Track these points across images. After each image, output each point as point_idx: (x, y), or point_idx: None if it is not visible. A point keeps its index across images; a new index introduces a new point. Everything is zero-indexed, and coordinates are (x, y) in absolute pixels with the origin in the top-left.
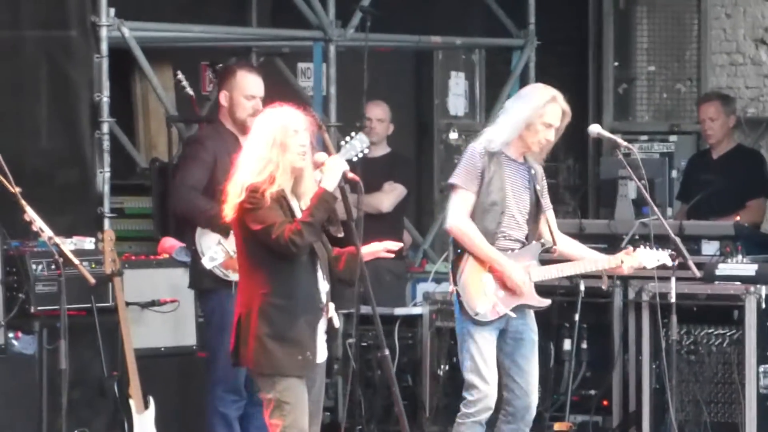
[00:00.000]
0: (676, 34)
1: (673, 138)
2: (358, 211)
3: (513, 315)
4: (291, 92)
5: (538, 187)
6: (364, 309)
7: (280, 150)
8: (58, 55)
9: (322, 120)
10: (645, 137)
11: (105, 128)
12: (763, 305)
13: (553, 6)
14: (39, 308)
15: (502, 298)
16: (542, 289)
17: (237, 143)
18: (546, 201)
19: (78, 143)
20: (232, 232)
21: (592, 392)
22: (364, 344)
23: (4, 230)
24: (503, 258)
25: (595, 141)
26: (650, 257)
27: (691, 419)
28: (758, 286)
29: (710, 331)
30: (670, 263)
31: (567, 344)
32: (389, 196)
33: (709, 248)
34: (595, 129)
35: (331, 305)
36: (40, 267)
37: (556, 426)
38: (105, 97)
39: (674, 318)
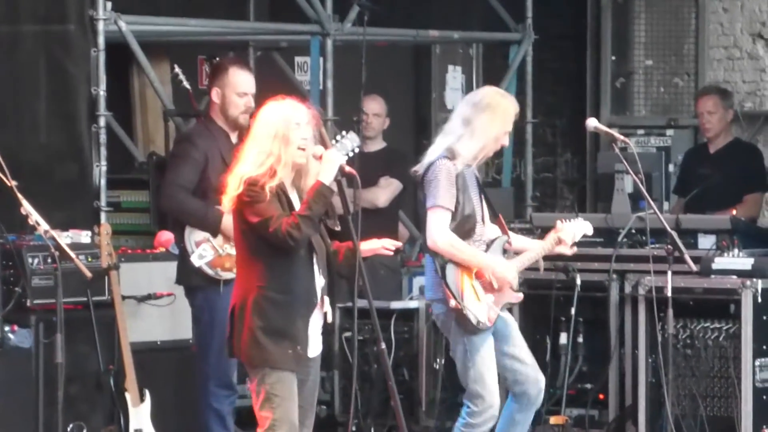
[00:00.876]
0: (673, 28)
1: (670, 132)
2: (355, 206)
3: (504, 314)
4: (288, 86)
5: (480, 183)
6: (361, 303)
7: (282, 143)
8: (57, 50)
9: (319, 114)
10: (642, 131)
11: (102, 122)
12: (760, 299)
13: (550, 0)
14: (35, 302)
15: (492, 302)
16: (538, 283)
17: (228, 140)
18: (485, 195)
19: (76, 137)
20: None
21: (589, 386)
22: (361, 338)
23: (0, 224)
24: (493, 261)
25: (593, 135)
26: (576, 227)
27: (688, 413)
28: (754, 279)
29: (706, 325)
30: (590, 232)
31: (563, 338)
32: (385, 191)
33: (706, 242)
34: (592, 123)
35: (326, 300)
36: (36, 261)
37: (552, 420)
38: (102, 91)
39: (670, 312)
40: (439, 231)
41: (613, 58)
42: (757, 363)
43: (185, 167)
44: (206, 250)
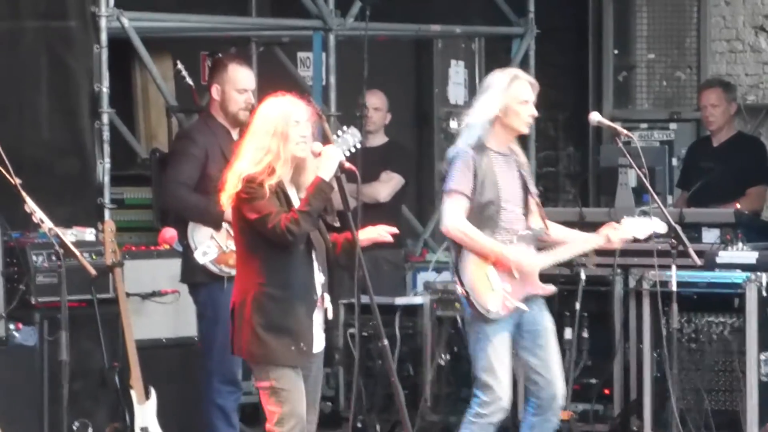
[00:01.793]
0: (675, 21)
1: (673, 126)
2: (355, 201)
3: (525, 308)
4: (290, 82)
5: (524, 174)
6: (365, 299)
7: (281, 140)
8: (58, 46)
9: (321, 110)
10: (645, 125)
11: (105, 119)
12: (764, 293)
13: None
14: (40, 299)
15: (510, 292)
16: (542, 278)
17: (228, 137)
18: (533, 188)
19: (78, 134)
20: (224, 225)
21: (593, 381)
22: (365, 334)
23: (4, 221)
24: (506, 247)
25: (595, 129)
26: (639, 226)
27: (693, 407)
28: (759, 273)
29: (711, 319)
30: (662, 230)
31: (568, 333)
32: (386, 186)
33: (710, 236)
34: (595, 117)
35: (326, 296)
36: (40, 258)
37: None
38: (105, 88)
39: (675, 306)
40: (451, 217)
41: (616, 51)
42: (762, 357)
43: (186, 164)
44: (210, 247)
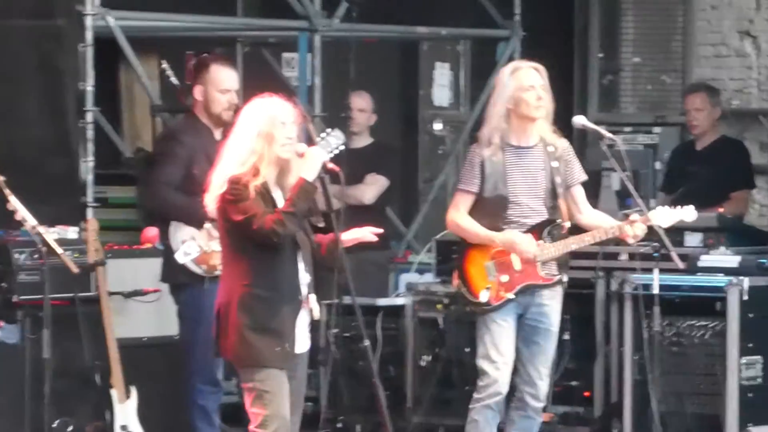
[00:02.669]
0: (661, 25)
1: (657, 129)
2: (339, 202)
3: (511, 296)
4: (276, 82)
5: (554, 165)
6: (348, 299)
7: (266, 141)
8: (46, 45)
9: (306, 110)
10: (629, 129)
11: (89, 117)
12: (746, 297)
13: None
14: (22, 297)
15: (506, 283)
16: None
17: (212, 137)
18: (570, 176)
19: (64, 132)
20: (206, 226)
21: (574, 383)
22: (347, 335)
23: None
24: (502, 234)
25: (580, 132)
26: (669, 216)
27: (673, 410)
28: (741, 277)
29: (693, 322)
30: (691, 218)
31: None
32: (371, 188)
33: (693, 240)
34: (579, 120)
35: (312, 296)
36: (23, 256)
37: None
38: (89, 87)
39: (657, 309)
40: (450, 212)
41: (601, 55)
42: (743, 361)
43: (169, 165)
44: (191, 247)
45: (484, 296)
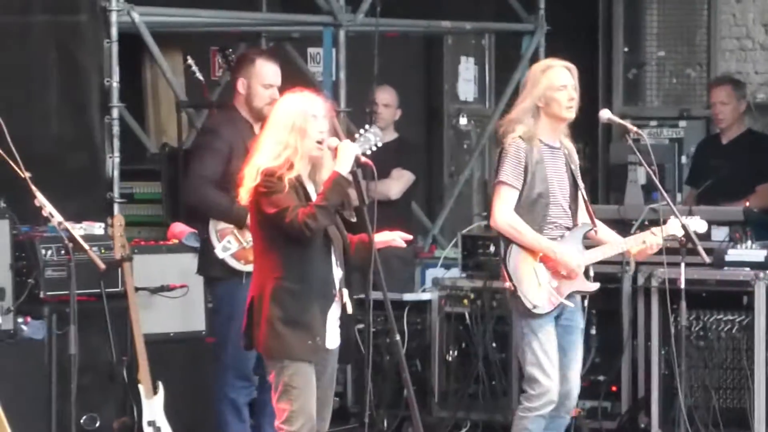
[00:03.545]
0: (685, 18)
1: (682, 123)
2: (369, 197)
3: (570, 304)
4: (300, 77)
5: (573, 167)
6: (374, 295)
7: (299, 135)
8: (68, 40)
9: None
10: (654, 122)
11: (115, 113)
12: None
13: None
14: (48, 293)
15: (557, 288)
16: None
17: (251, 131)
18: (581, 183)
19: (88, 128)
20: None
21: (601, 378)
22: (373, 330)
23: (14, 215)
24: (555, 245)
25: (605, 126)
26: (675, 229)
27: (700, 405)
28: (767, 271)
29: (719, 316)
30: (702, 229)
31: None
32: (398, 183)
33: (719, 234)
34: (605, 114)
35: (345, 291)
36: (49, 252)
37: None
38: (115, 83)
39: (683, 304)
40: (500, 210)
41: (626, 49)
42: None
43: (210, 159)
44: (231, 242)
45: (538, 301)
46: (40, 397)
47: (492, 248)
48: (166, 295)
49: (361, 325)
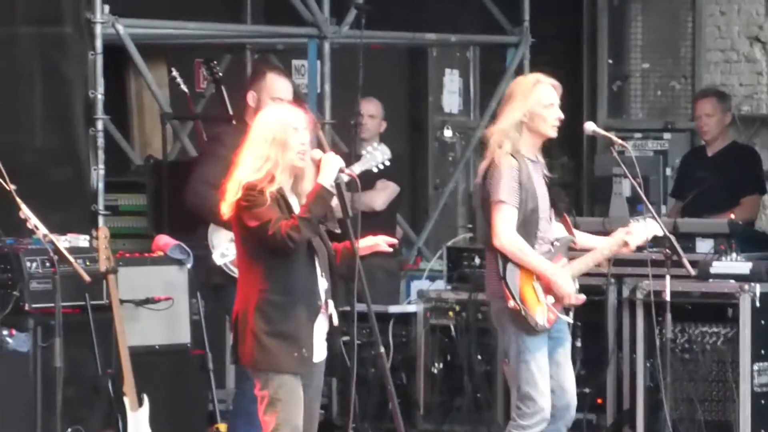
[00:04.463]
0: (670, 31)
1: (667, 135)
2: (353, 209)
3: (569, 319)
4: None
5: (546, 181)
6: (359, 307)
7: (280, 148)
8: (53, 52)
9: (316, 117)
10: (639, 135)
11: (99, 125)
12: (758, 303)
13: (547, 3)
14: (33, 306)
15: (553, 304)
16: None
17: None
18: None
19: (72, 140)
20: None
21: (586, 390)
22: (358, 342)
23: None
24: (553, 268)
25: (590, 138)
26: (644, 230)
27: (686, 417)
28: (753, 284)
29: (704, 329)
30: (659, 233)
31: None
32: (382, 194)
33: (704, 246)
34: (590, 126)
35: (330, 303)
36: (34, 264)
37: None
38: (99, 94)
39: (668, 316)
40: (504, 230)
41: (610, 61)
42: (755, 367)
43: (212, 165)
44: (228, 249)
45: (540, 319)
46: (25, 410)
47: (477, 260)
48: (151, 307)
49: (346, 338)
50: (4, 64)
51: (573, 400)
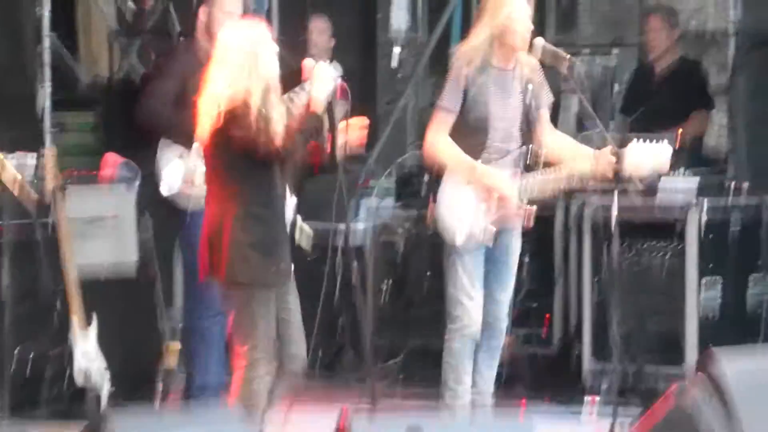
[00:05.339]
0: None
1: (615, 51)
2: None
3: (489, 242)
4: None
5: (530, 87)
6: (313, 224)
7: (252, 59)
8: None
9: None
10: (587, 50)
11: (46, 43)
12: (705, 218)
13: None
14: None
15: (485, 218)
16: None
17: (209, 59)
18: (539, 98)
19: (21, 58)
20: (195, 144)
21: (535, 305)
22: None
23: None
24: (482, 167)
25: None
26: (641, 157)
27: (634, 331)
28: (700, 198)
29: (653, 243)
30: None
31: None
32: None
33: None
34: (539, 42)
35: (299, 217)
36: None
37: None
38: (46, 11)
39: (616, 231)
40: (430, 132)
41: None
42: (702, 281)
43: (164, 81)
44: (175, 178)
45: (460, 234)
46: None
47: (426, 177)
48: (99, 225)
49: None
50: None
51: (502, 313)
